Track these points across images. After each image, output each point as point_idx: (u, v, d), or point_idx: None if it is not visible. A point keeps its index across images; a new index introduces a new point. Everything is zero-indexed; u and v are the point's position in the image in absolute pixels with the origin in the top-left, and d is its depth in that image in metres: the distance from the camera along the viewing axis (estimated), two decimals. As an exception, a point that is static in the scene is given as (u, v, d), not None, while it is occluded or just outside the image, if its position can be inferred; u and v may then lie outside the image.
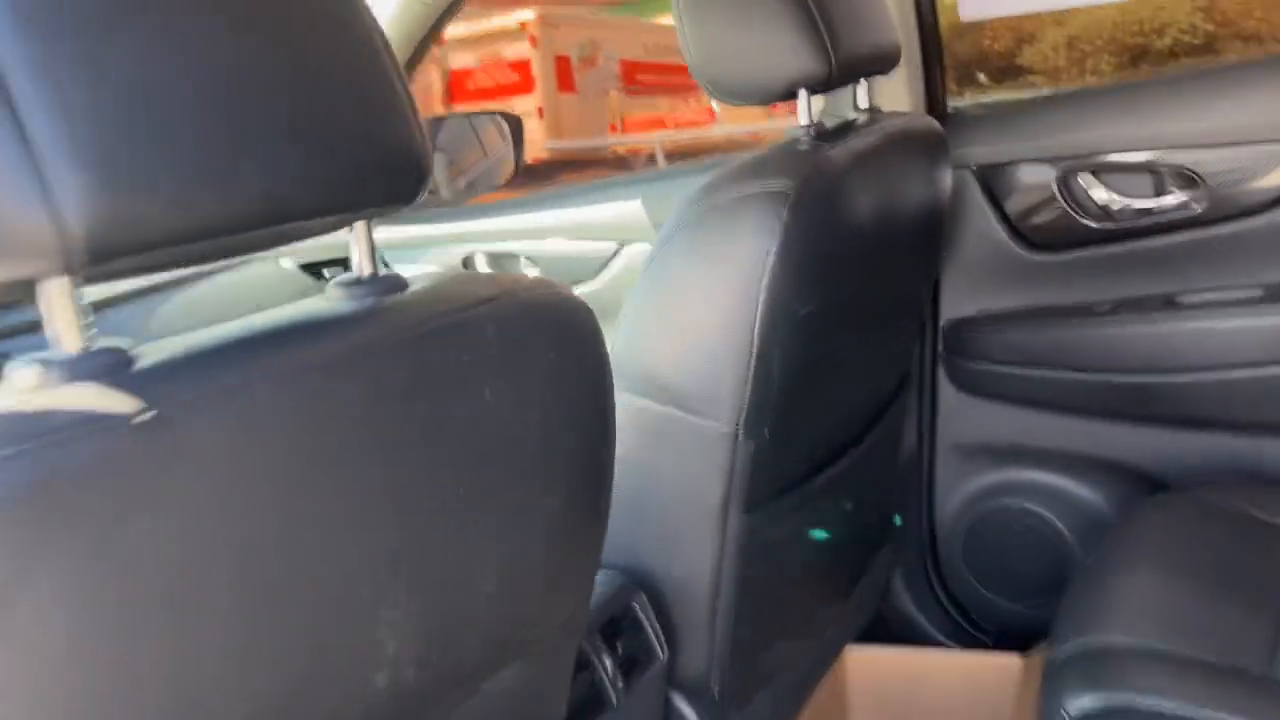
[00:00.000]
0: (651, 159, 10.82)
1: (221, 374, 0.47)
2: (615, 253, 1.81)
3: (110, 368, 0.45)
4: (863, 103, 1.25)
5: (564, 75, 11.90)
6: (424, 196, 0.58)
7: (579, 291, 1.93)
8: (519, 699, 0.71)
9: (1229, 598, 1.05)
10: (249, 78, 0.48)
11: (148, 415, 0.43)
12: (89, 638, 0.42)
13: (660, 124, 11.39)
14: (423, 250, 1.98)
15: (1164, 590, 1.08)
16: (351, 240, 0.57)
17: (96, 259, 0.43)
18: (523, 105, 11.09)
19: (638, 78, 12.29)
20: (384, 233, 1.94)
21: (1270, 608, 1.04)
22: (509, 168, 2.08)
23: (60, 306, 0.45)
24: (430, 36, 1.77)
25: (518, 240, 1.91)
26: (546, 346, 0.63)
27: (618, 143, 11.97)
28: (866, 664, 1.56)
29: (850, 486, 1.29)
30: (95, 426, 0.42)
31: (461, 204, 2.08)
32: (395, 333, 0.55)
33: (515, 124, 2.07)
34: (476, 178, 2.09)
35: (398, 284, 0.58)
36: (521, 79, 11.05)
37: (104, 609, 0.42)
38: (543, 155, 11.10)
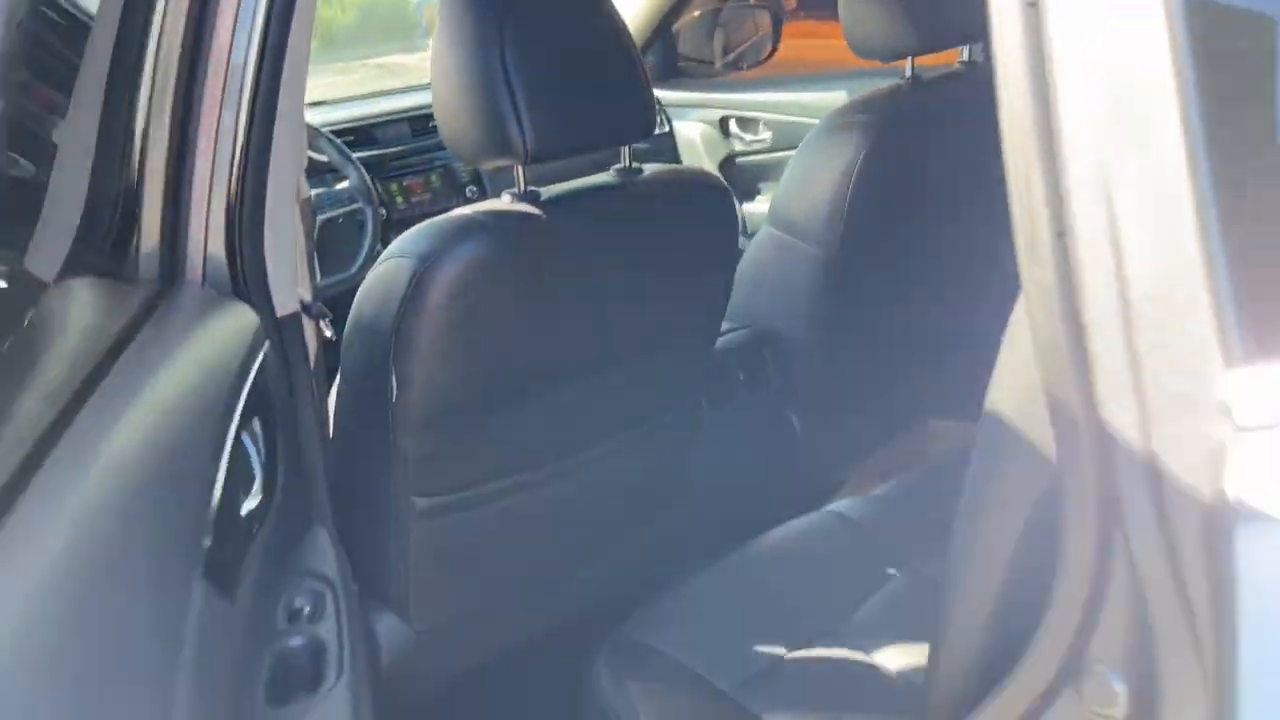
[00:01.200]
0: None
1: (572, 205, 1.31)
2: (821, 128, 2.52)
3: (534, 198, 1.30)
4: (965, 56, 1.89)
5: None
6: (654, 133, 1.37)
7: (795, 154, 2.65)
8: (672, 367, 1.54)
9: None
10: (599, 74, 1.27)
11: (545, 217, 1.27)
12: (521, 307, 1.27)
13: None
14: (693, 109, 2.75)
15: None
16: (624, 151, 1.38)
17: (534, 160, 1.26)
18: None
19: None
20: (669, 95, 2.72)
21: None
22: (767, 49, 2.81)
23: (520, 174, 1.29)
24: (666, 21, 2.52)
25: (757, 111, 2.65)
26: (703, 201, 1.43)
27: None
28: (945, 430, 2.29)
29: (917, 319, 1.94)
30: (533, 219, 1.27)
31: (727, 74, 2.81)
32: (638, 194, 1.36)
33: (777, 15, 2.77)
34: (744, 53, 2.84)
35: (639, 171, 1.39)
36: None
37: (525, 296, 1.27)
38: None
